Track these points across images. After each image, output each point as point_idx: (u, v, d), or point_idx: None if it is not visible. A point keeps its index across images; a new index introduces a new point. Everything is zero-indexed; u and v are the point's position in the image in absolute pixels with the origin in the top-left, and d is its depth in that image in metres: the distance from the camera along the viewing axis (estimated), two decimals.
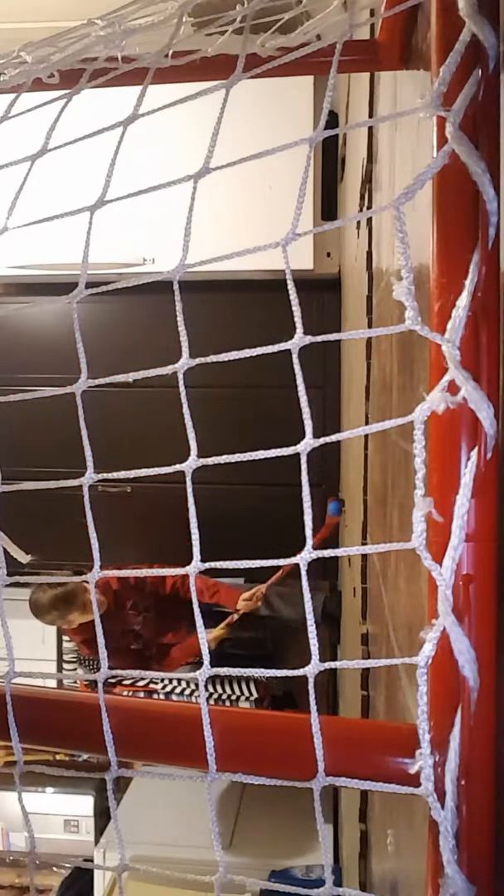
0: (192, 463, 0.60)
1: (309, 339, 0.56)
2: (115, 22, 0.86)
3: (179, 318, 0.61)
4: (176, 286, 0.62)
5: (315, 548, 0.55)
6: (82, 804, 3.98)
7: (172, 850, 3.14)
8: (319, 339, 0.55)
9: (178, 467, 0.61)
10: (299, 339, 0.56)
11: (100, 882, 3.37)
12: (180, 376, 0.60)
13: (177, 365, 0.60)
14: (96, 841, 3.75)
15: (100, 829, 3.89)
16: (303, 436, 0.55)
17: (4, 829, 4.12)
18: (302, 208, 0.58)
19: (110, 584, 3.23)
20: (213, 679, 2.49)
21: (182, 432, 0.60)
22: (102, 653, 0.65)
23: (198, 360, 0.60)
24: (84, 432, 0.66)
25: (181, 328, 0.61)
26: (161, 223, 2.97)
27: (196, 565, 0.60)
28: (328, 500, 3.13)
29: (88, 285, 0.65)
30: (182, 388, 0.60)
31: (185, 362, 0.60)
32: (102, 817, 3.95)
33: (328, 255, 3.69)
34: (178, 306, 0.61)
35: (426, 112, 0.49)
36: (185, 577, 3.39)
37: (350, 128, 3.30)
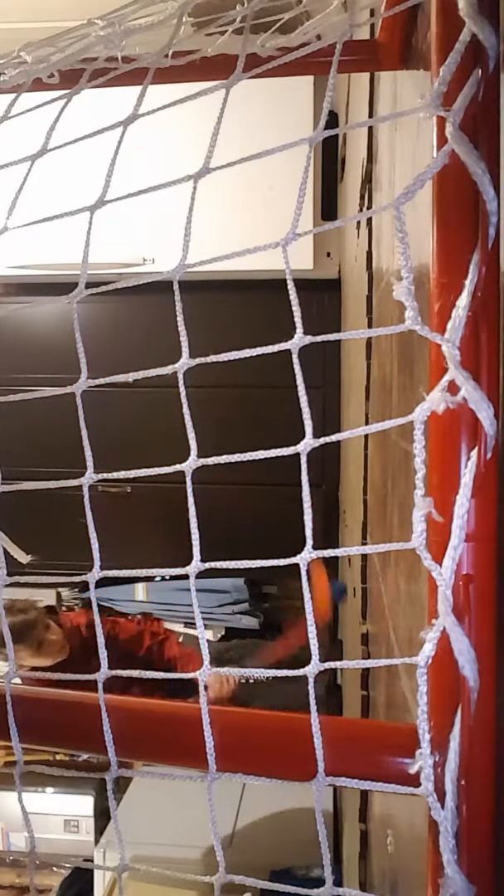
0: (192, 463, 0.60)
1: (309, 339, 0.56)
2: (115, 22, 0.86)
3: (179, 318, 0.61)
4: (176, 286, 0.62)
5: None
6: (82, 804, 3.98)
7: (172, 850, 3.13)
8: (319, 339, 0.55)
9: (178, 467, 0.61)
10: (299, 339, 0.56)
11: (100, 882, 3.37)
12: (180, 376, 0.60)
13: (177, 365, 0.60)
14: (96, 841, 3.75)
15: (100, 829, 3.89)
16: (303, 436, 0.55)
17: (4, 829, 4.12)
18: (302, 208, 0.58)
19: (79, 629, 2.70)
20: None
21: (182, 432, 0.60)
22: (102, 652, 0.65)
23: (198, 360, 0.60)
24: (84, 432, 0.66)
25: (181, 328, 0.61)
26: (161, 223, 2.97)
27: (196, 565, 0.60)
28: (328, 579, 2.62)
29: (88, 285, 0.65)
30: (182, 388, 0.60)
31: (185, 362, 0.60)
32: (102, 817, 3.95)
33: (328, 255, 3.69)
34: (178, 306, 0.61)
35: (426, 112, 0.49)
36: (163, 641, 3.10)
37: (350, 128, 3.29)
